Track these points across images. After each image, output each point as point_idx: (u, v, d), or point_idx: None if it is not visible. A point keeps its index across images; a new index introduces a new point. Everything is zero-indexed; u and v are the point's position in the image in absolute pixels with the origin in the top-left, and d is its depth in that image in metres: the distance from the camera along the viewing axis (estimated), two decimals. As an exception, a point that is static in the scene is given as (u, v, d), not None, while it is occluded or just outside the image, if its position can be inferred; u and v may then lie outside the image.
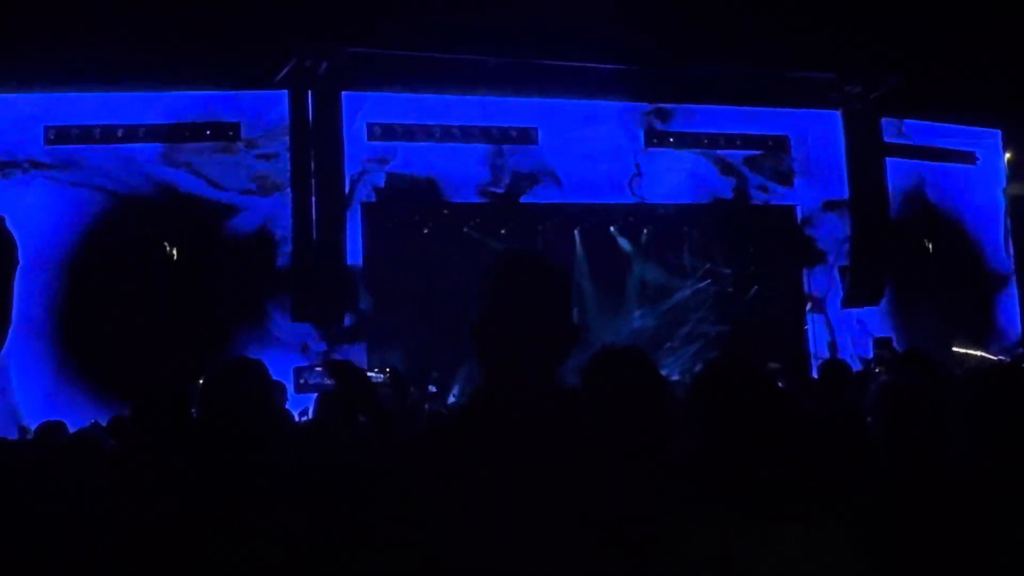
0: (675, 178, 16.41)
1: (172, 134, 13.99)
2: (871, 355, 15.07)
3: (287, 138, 14.09)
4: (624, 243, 17.46)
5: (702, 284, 17.76)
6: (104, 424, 7.87)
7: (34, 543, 3.66)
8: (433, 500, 1.91)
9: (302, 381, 12.27)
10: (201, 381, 3.01)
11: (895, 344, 15.42)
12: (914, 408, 3.15)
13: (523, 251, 2.15)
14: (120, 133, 13.78)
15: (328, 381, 8.92)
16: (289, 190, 14.09)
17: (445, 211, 15.84)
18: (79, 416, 10.69)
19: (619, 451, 2.13)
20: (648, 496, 2.05)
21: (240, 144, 14.24)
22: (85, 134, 13.70)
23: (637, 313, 17.41)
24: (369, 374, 10.83)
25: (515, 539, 1.89)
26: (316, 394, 6.42)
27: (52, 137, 13.63)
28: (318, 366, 11.73)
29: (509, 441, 1.97)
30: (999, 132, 18.75)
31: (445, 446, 2.00)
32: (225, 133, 14.22)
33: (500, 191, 15.59)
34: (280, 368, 12.05)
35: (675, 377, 15.89)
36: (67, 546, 3.48)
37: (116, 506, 3.34)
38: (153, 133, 13.92)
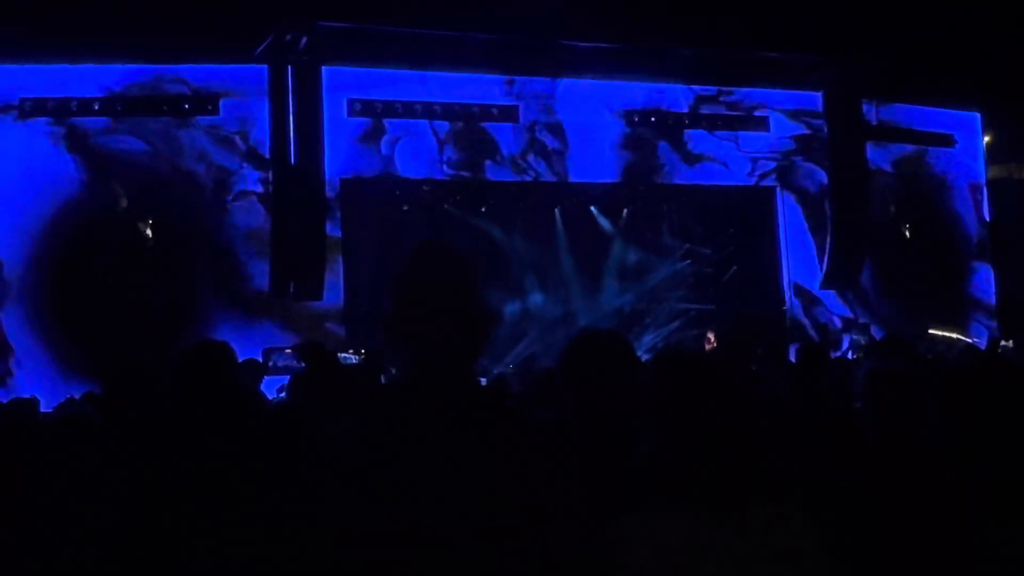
0: (655, 157, 16.42)
1: (150, 107, 13.86)
2: (848, 340, 15.16)
3: (266, 113, 13.98)
4: (604, 222, 17.48)
5: (681, 264, 17.82)
6: (78, 399, 7.81)
7: (19, 521, 3.65)
8: (354, 497, 1.90)
9: (271, 363, 12.10)
10: (169, 363, 2.99)
11: (872, 329, 15.51)
12: (904, 395, 3.15)
13: (430, 244, 2.13)
14: (97, 106, 13.64)
15: (298, 363, 8.84)
16: (268, 167, 14.01)
17: (425, 188, 15.79)
18: (47, 389, 10.73)
19: (547, 441, 2.11)
20: (595, 487, 2.05)
21: (218, 118, 14.12)
22: (62, 106, 13.54)
23: (616, 291, 17.46)
24: (343, 355, 10.71)
25: (441, 535, 1.88)
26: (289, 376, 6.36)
27: (28, 108, 13.46)
28: (288, 349, 11.52)
29: (429, 433, 1.96)
30: (978, 115, 18.82)
31: (368, 439, 1.98)
32: (204, 107, 14.11)
33: (480, 169, 15.54)
34: (256, 347, 12.00)
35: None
36: (52, 523, 3.47)
37: (103, 484, 3.34)
38: (131, 106, 13.78)
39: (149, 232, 13.58)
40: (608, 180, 16.35)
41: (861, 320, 16.53)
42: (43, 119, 13.47)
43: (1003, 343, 13.63)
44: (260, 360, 8.06)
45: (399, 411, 2.02)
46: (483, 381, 12.77)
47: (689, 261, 17.76)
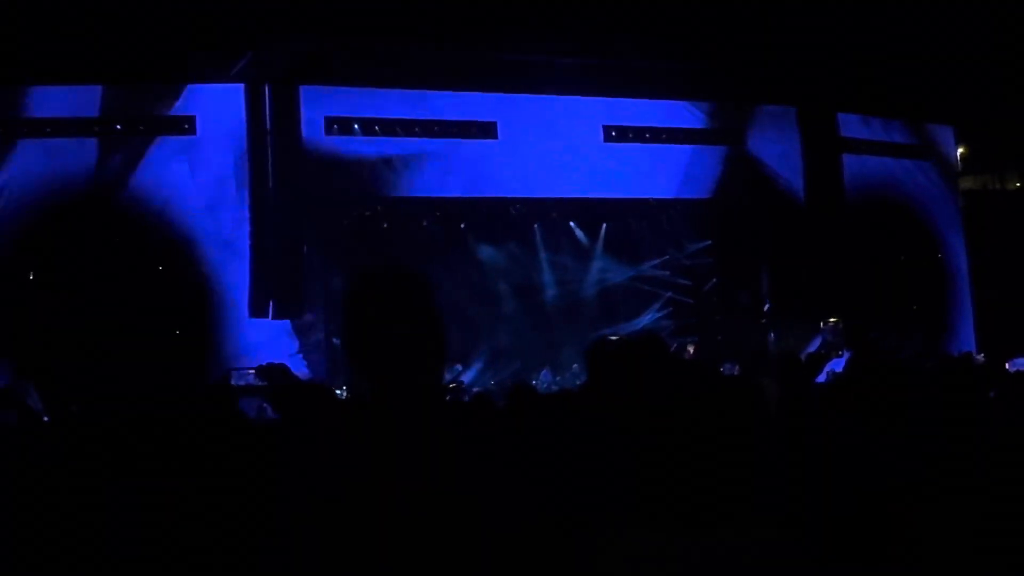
0: (634, 172, 16.45)
1: (127, 127, 13.79)
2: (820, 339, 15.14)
3: (244, 132, 13.94)
4: (583, 237, 17.53)
5: (661, 275, 17.87)
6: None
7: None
8: (321, 514, 1.91)
9: (233, 383, 11.95)
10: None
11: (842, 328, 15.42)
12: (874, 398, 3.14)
13: (375, 269, 2.13)
14: (73, 128, 13.56)
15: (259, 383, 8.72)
16: (246, 185, 13.96)
17: (403, 205, 15.78)
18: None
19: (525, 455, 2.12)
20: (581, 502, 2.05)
21: (195, 138, 14.05)
22: (35, 128, 13.46)
23: (596, 305, 17.51)
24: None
25: (409, 549, 1.88)
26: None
27: (3, 131, 13.38)
28: (250, 369, 11.30)
29: (392, 451, 1.96)
30: (951, 128, 18.94)
31: (332, 458, 1.98)
32: (180, 127, 14.04)
33: (459, 186, 15.55)
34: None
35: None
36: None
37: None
38: (107, 127, 13.71)
39: (125, 252, 13.46)
40: (587, 195, 16.37)
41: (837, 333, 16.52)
42: (22, 140, 13.38)
43: (976, 356, 13.58)
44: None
45: (362, 429, 2.03)
46: (466, 399, 12.77)
47: (668, 273, 17.82)
